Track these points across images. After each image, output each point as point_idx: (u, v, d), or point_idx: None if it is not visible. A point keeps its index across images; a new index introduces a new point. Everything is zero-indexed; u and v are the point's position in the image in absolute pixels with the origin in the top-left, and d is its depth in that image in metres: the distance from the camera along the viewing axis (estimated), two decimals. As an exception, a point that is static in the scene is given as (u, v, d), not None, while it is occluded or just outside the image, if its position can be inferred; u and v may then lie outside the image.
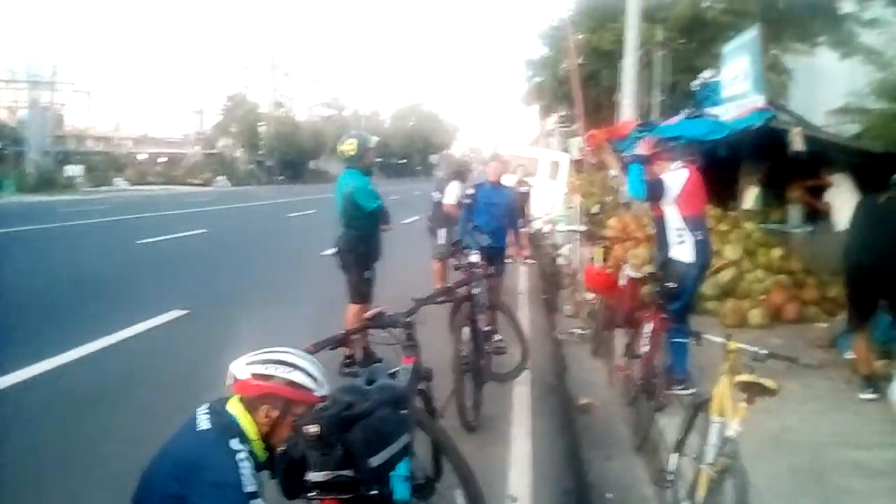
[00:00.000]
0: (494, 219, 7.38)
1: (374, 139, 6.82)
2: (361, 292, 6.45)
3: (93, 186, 49.02)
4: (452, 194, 9.25)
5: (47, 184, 44.93)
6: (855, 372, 6.01)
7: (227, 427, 2.33)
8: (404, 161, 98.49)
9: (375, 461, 2.23)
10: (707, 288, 8.21)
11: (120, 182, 53.51)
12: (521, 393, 6.15)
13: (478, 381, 5.47)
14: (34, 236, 18.00)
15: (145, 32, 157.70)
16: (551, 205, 13.30)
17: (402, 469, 2.72)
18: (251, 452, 2.33)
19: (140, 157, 65.25)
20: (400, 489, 2.70)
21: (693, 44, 26.07)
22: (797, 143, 7.49)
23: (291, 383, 2.37)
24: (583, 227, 10.78)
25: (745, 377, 3.18)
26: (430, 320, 6.52)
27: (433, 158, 73.24)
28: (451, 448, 3.20)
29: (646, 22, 20.52)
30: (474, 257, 6.29)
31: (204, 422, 2.36)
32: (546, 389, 6.38)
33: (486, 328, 6.13)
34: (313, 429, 2.16)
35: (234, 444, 2.27)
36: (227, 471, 2.20)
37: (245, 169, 67.31)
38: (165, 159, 66.18)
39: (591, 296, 7.93)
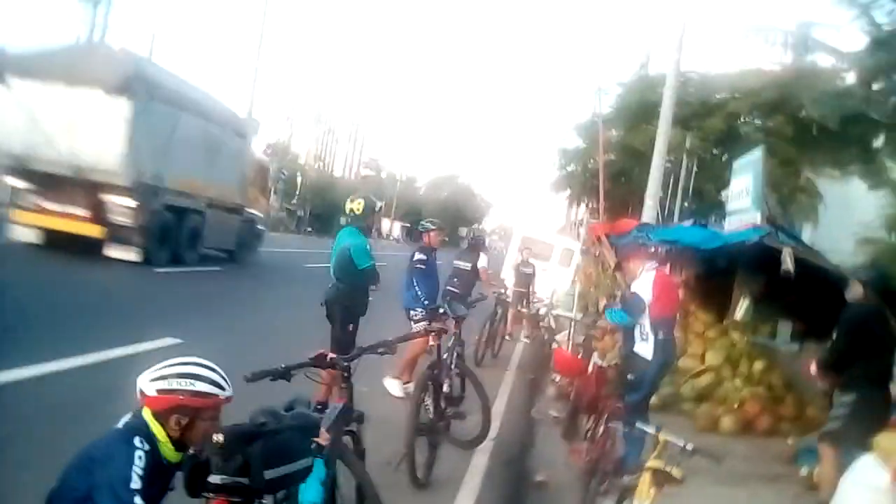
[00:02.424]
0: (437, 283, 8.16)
1: (380, 204, 7.17)
2: (341, 342, 6.65)
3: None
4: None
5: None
6: (811, 490, 6.04)
7: (136, 427, 2.54)
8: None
9: (270, 475, 2.44)
10: (685, 390, 8.34)
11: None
12: (479, 462, 6.26)
13: (433, 442, 5.63)
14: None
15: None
16: (554, 290, 13.48)
17: (313, 496, 2.92)
18: (156, 452, 2.52)
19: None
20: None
21: (725, 156, 26.46)
22: (787, 263, 7.71)
23: (196, 393, 2.58)
24: (578, 315, 10.97)
25: (654, 464, 3.35)
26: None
27: (462, 231, 73.99)
28: (370, 488, 3.39)
29: (680, 128, 20.95)
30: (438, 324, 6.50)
31: (121, 423, 2.59)
32: (505, 462, 6.49)
33: (452, 392, 6.32)
34: (219, 437, 2.38)
35: (137, 441, 2.47)
36: (121, 465, 2.38)
37: (276, 216, 68.06)
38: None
39: (558, 378, 8.11)
